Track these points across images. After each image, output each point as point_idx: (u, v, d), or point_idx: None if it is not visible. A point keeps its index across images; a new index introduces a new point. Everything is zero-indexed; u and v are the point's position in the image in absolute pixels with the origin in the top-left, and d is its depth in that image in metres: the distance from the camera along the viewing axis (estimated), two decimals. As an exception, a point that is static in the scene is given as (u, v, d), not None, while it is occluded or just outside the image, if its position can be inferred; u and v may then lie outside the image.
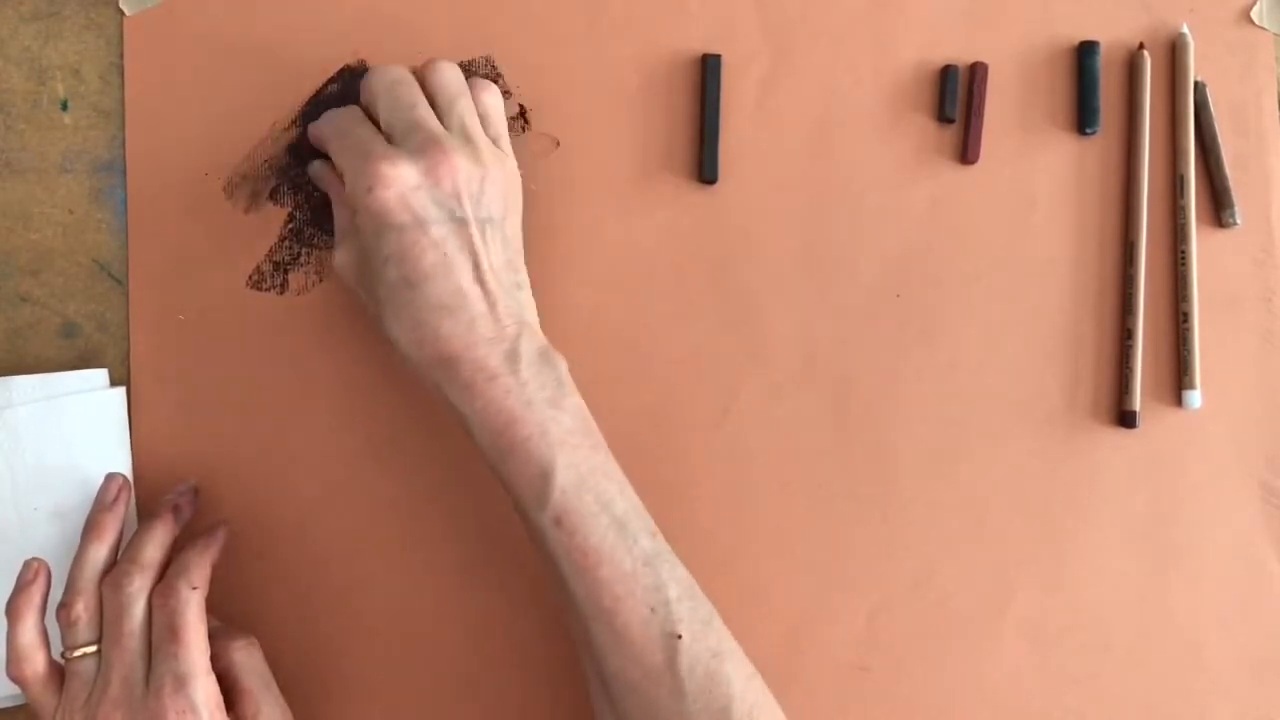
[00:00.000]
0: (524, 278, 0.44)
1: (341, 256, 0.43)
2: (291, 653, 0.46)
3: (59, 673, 0.41)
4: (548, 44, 0.49)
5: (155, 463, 0.47)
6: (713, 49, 0.50)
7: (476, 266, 0.41)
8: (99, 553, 0.42)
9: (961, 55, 0.51)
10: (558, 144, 0.49)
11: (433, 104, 0.43)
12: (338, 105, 0.48)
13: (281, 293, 0.48)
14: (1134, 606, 0.49)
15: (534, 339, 0.42)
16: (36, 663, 0.41)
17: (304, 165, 0.48)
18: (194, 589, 0.41)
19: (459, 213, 0.41)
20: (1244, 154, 0.51)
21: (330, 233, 0.48)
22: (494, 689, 0.47)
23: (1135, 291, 0.50)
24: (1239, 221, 0.50)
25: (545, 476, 0.40)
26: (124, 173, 0.48)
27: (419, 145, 0.41)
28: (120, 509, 0.44)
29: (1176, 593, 0.49)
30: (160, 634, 0.40)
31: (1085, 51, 0.51)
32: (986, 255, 0.50)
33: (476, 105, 0.44)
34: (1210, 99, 0.51)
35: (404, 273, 0.40)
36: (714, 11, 0.50)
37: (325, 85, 0.49)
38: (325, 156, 0.45)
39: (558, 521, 0.40)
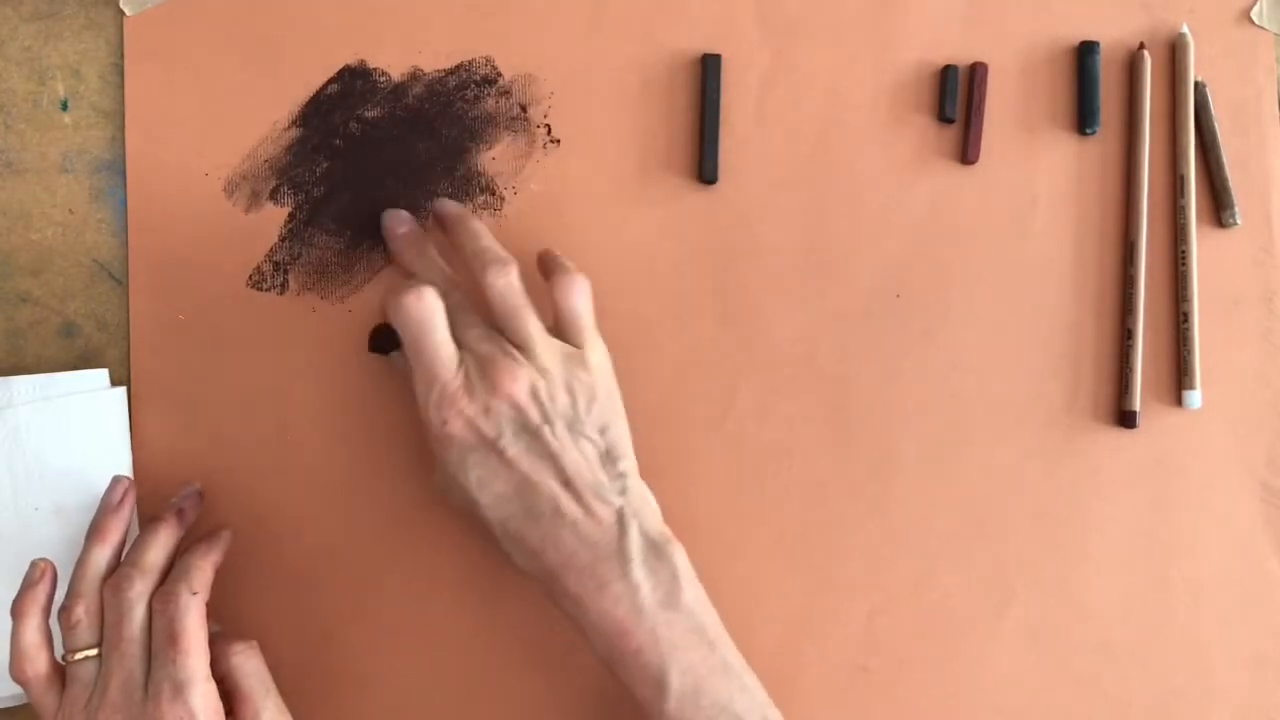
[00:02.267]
0: (628, 464, 0.43)
1: (438, 482, 0.44)
2: (291, 653, 0.46)
3: (61, 674, 0.41)
4: (548, 44, 0.49)
5: (155, 463, 0.47)
6: (713, 49, 0.50)
7: (560, 471, 0.41)
8: (102, 555, 0.42)
9: (961, 55, 0.51)
10: (558, 143, 0.49)
11: (493, 315, 0.43)
12: (338, 105, 0.48)
13: (281, 293, 0.48)
14: (1134, 606, 0.49)
15: (644, 532, 0.42)
16: (39, 663, 0.41)
17: (308, 165, 0.48)
18: (194, 594, 0.40)
19: (530, 424, 0.41)
20: (1244, 154, 0.51)
21: (330, 232, 0.48)
22: (495, 689, 0.47)
23: (1135, 291, 0.50)
24: (1239, 221, 0.50)
25: (659, 686, 0.40)
26: (124, 173, 0.48)
27: (480, 370, 0.42)
28: (125, 512, 0.44)
29: (1176, 593, 0.49)
30: (160, 639, 0.40)
31: (1085, 51, 0.51)
32: (986, 255, 0.50)
33: (559, 307, 0.44)
34: (1210, 99, 0.51)
35: (494, 493, 0.42)
36: (714, 11, 0.50)
37: (325, 85, 0.49)
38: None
39: None
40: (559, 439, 0.42)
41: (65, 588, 0.42)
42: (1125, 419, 0.49)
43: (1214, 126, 0.51)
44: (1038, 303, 0.50)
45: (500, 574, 0.47)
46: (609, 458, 0.43)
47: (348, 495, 0.47)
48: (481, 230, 0.45)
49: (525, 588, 0.47)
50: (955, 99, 0.50)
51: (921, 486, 0.49)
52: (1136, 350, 0.49)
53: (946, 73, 0.50)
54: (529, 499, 0.41)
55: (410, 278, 0.46)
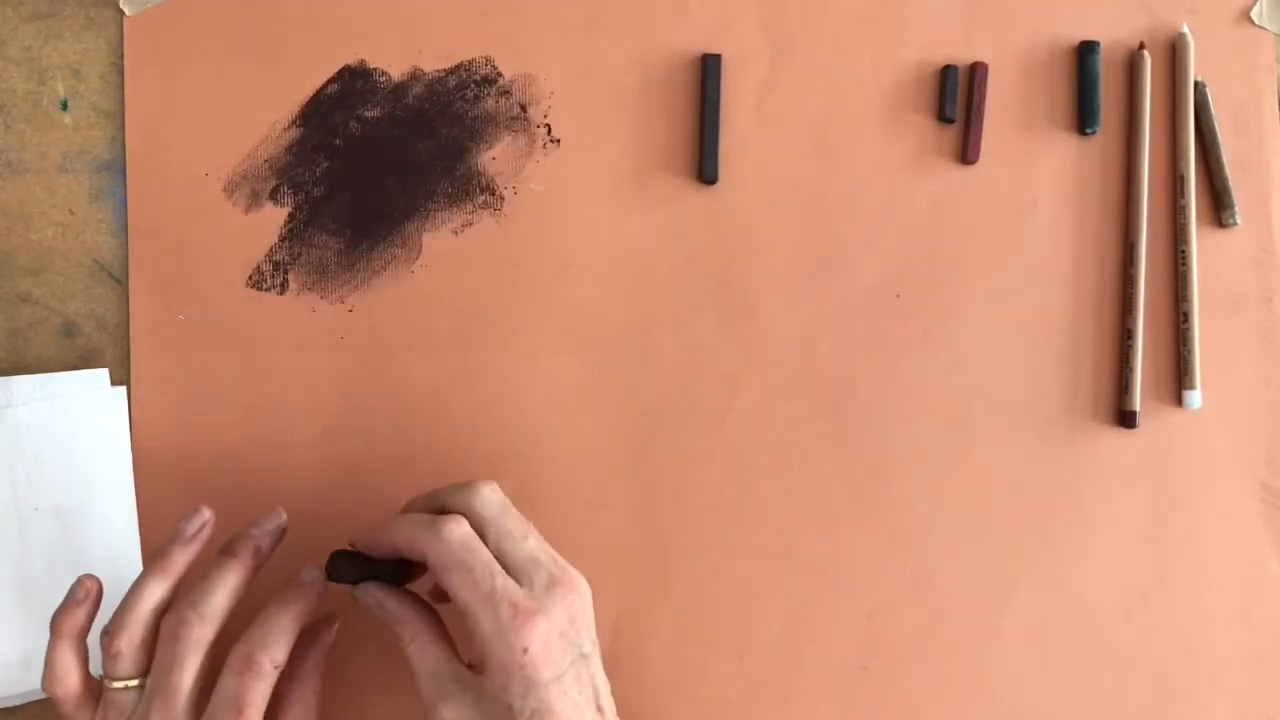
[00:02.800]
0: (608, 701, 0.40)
1: (451, 714, 0.38)
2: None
3: (93, 692, 0.40)
4: (548, 44, 0.49)
5: (154, 463, 0.47)
6: (713, 49, 0.50)
7: (597, 698, 0.39)
8: (158, 589, 0.40)
9: (961, 55, 0.51)
10: (558, 143, 0.49)
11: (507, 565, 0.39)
12: (338, 105, 0.48)
13: (281, 293, 0.48)
14: (1134, 606, 0.49)
15: None
16: (69, 684, 0.39)
17: (308, 165, 0.48)
18: (276, 667, 0.38)
19: (584, 649, 0.39)
20: (1244, 154, 0.51)
21: (330, 232, 0.48)
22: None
23: (1135, 291, 0.50)
24: (1239, 221, 0.50)
25: None
26: (124, 173, 0.48)
27: (547, 585, 0.38)
28: (195, 549, 0.41)
29: (1176, 593, 0.49)
30: (223, 700, 0.37)
31: (1085, 51, 0.51)
32: (986, 255, 0.50)
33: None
34: (1210, 99, 0.51)
35: None
36: (714, 11, 0.50)
37: (325, 85, 0.49)
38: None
39: None
40: (594, 666, 0.39)
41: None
42: (1125, 419, 0.49)
43: (1214, 126, 0.51)
44: (1038, 303, 0.50)
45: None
46: (608, 689, 0.41)
47: (347, 495, 0.47)
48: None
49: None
50: (955, 99, 0.50)
51: (921, 486, 0.49)
52: (1136, 350, 0.49)
53: (946, 73, 0.50)
54: None
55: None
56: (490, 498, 0.40)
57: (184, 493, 0.47)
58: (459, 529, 0.38)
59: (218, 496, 0.47)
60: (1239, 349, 0.50)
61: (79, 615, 0.40)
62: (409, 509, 0.43)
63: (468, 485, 0.40)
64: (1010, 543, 0.49)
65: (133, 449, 0.47)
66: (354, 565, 0.41)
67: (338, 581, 0.41)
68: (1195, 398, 0.49)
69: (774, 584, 0.48)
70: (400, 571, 0.42)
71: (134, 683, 0.39)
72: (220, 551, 0.41)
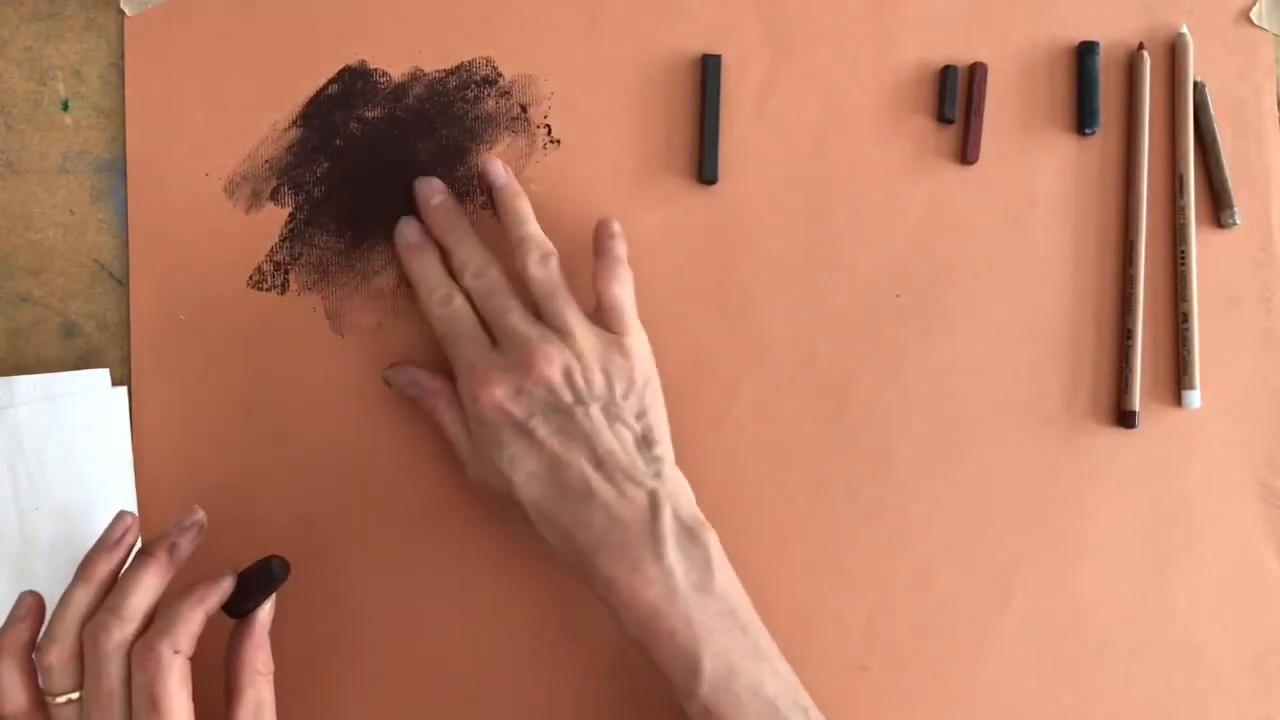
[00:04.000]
0: (664, 450, 0.44)
1: (473, 471, 0.45)
2: (291, 653, 0.46)
3: (44, 709, 0.39)
4: (548, 44, 0.50)
5: (155, 463, 0.47)
6: (713, 49, 0.50)
7: (593, 452, 0.42)
8: (84, 597, 0.39)
9: (961, 55, 0.51)
10: (558, 143, 0.49)
11: (534, 300, 0.44)
12: (338, 105, 0.49)
13: (282, 293, 0.48)
14: (1134, 606, 0.49)
15: (677, 516, 0.42)
16: (17, 702, 0.39)
17: (309, 165, 0.48)
18: (177, 652, 0.37)
19: (563, 404, 0.42)
20: (1244, 154, 0.51)
21: (330, 232, 0.48)
22: (499, 689, 0.47)
23: (1135, 291, 0.50)
24: (1239, 221, 0.50)
25: (692, 670, 0.40)
26: (124, 173, 0.48)
27: (513, 353, 0.43)
28: (119, 554, 0.41)
29: (1176, 593, 0.49)
30: (139, 700, 0.37)
31: (1085, 51, 0.51)
32: (986, 255, 0.50)
33: (601, 295, 0.45)
34: (1210, 99, 0.51)
35: (527, 471, 0.42)
36: (714, 11, 0.50)
37: (325, 85, 0.49)
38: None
39: (706, 711, 0.40)
40: (593, 420, 0.42)
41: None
42: (1125, 419, 0.49)
43: (1213, 126, 0.51)
44: (1037, 303, 0.50)
45: (503, 572, 0.48)
46: (644, 442, 0.43)
47: (348, 495, 0.47)
48: (526, 213, 0.46)
49: (533, 587, 0.47)
50: (955, 99, 0.50)
51: (921, 486, 0.49)
52: (1136, 350, 0.49)
53: (946, 73, 0.50)
54: (560, 478, 0.42)
55: (444, 251, 0.46)
56: (483, 279, 0.45)
57: (184, 493, 0.47)
58: (443, 309, 0.44)
59: (218, 496, 0.47)
60: (1238, 349, 0.50)
61: (21, 631, 0.40)
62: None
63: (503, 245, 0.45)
64: (1010, 542, 0.49)
65: (133, 449, 0.47)
66: (257, 584, 0.41)
67: (235, 613, 0.41)
68: (1195, 398, 0.49)
69: (774, 584, 0.48)
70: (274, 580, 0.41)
71: (75, 695, 0.38)
72: (138, 552, 0.41)
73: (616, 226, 0.46)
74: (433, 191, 0.47)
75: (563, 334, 0.43)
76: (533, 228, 0.45)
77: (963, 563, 0.49)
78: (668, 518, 0.41)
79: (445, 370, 0.46)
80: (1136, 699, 0.49)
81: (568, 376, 0.42)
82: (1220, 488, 0.50)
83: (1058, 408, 0.50)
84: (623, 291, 0.45)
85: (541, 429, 0.42)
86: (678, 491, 0.43)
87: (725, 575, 0.42)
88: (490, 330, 0.44)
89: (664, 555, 0.41)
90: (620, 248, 0.46)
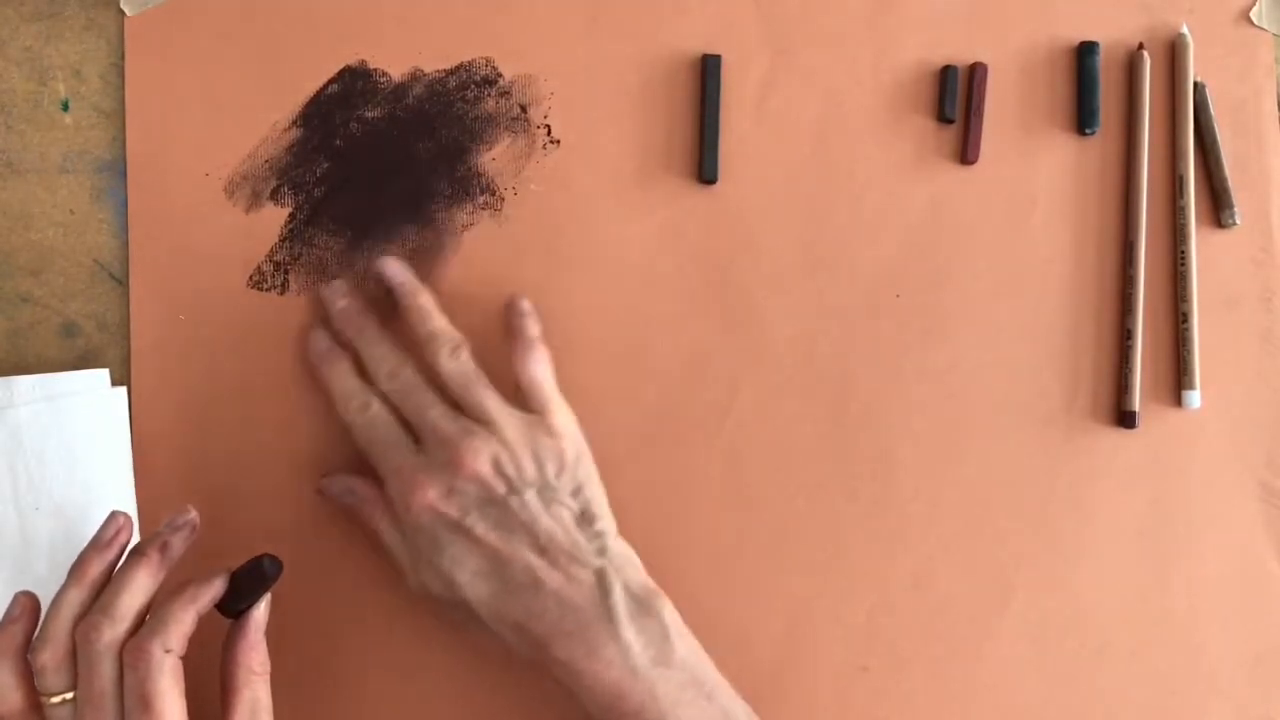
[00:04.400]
0: (606, 524, 0.43)
1: (413, 581, 0.44)
2: (290, 653, 0.46)
3: (39, 709, 0.39)
4: (548, 44, 0.50)
5: (155, 463, 0.47)
6: (713, 49, 0.50)
7: (535, 539, 0.41)
8: (76, 597, 0.39)
9: (961, 55, 0.51)
10: (558, 143, 0.49)
11: (450, 394, 0.43)
12: (338, 105, 0.49)
13: (282, 293, 0.48)
14: (1134, 606, 0.49)
15: (628, 590, 0.42)
16: (12, 703, 0.39)
17: (309, 165, 0.48)
18: (168, 651, 0.37)
19: (496, 496, 0.42)
20: (1244, 154, 0.51)
21: (330, 232, 0.48)
22: (494, 694, 0.47)
23: (1135, 291, 0.50)
24: (1239, 221, 0.50)
25: None
26: (125, 173, 0.48)
27: (439, 452, 0.42)
28: (111, 554, 0.41)
29: (1176, 593, 0.49)
30: (131, 700, 0.37)
31: (1085, 51, 0.51)
32: (986, 255, 0.50)
33: (519, 378, 0.44)
34: (1210, 99, 0.51)
35: (471, 571, 0.41)
36: (714, 11, 0.50)
37: (326, 85, 0.49)
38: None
39: None
40: (529, 507, 0.42)
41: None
42: (1125, 419, 0.49)
43: (1213, 127, 0.51)
44: (1037, 303, 0.50)
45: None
46: (584, 519, 0.43)
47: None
48: (428, 308, 0.45)
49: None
50: (955, 99, 0.50)
51: (921, 486, 0.49)
52: (1136, 350, 0.49)
53: (946, 73, 0.50)
54: (506, 572, 0.41)
55: (355, 356, 0.45)
56: (397, 379, 0.44)
57: (184, 493, 0.47)
58: (361, 416, 0.44)
59: (218, 496, 0.47)
60: (1238, 349, 0.50)
61: (15, 632, 0.39)
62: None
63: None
64: (1010, 542, 0.49)
65: (133, 449, 0.47)
66: (249, 583, 0.41)
67: (230, 611, 0.41)
68: (1195, 398, 0.49)
69: (774, 584, 0.48)
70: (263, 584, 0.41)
71: (69, 696, 0.38)
72: (130, 551, 0.41)
73: (525, 305, 0.46)
74: (337, 295, 0.47)
75: (486, 424, 0.42)
76: (438, 322, 0.45)
77: (963, 563, 0.49)
78: (618, 594, 0.41)
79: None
80: (1136, 699, 0.49)
81: (497, 467, 0.42)
82: (1220, 488, 0.50)
83: (1058, 408, 0.50)
84: (540, 371, 0.44)
85: (479, 525, 0.41)
86: (625, 564, 0.43)
87: (685, 644, 0.42)
88: (412, 430, 0.44)
89: (620, 634, 0.40)
90: (533, 327, 0.45)
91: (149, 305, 0.48)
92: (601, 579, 0.41)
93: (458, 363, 0.44)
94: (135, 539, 0.43)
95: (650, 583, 0.43)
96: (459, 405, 0.43)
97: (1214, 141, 0.51)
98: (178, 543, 0.41)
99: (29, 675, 0.39)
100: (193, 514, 0.42)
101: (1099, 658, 0.49)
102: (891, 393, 0.49)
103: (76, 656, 0.38)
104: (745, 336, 0.49)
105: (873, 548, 0.49)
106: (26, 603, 0.40)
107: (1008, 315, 0.50)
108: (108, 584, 0.40)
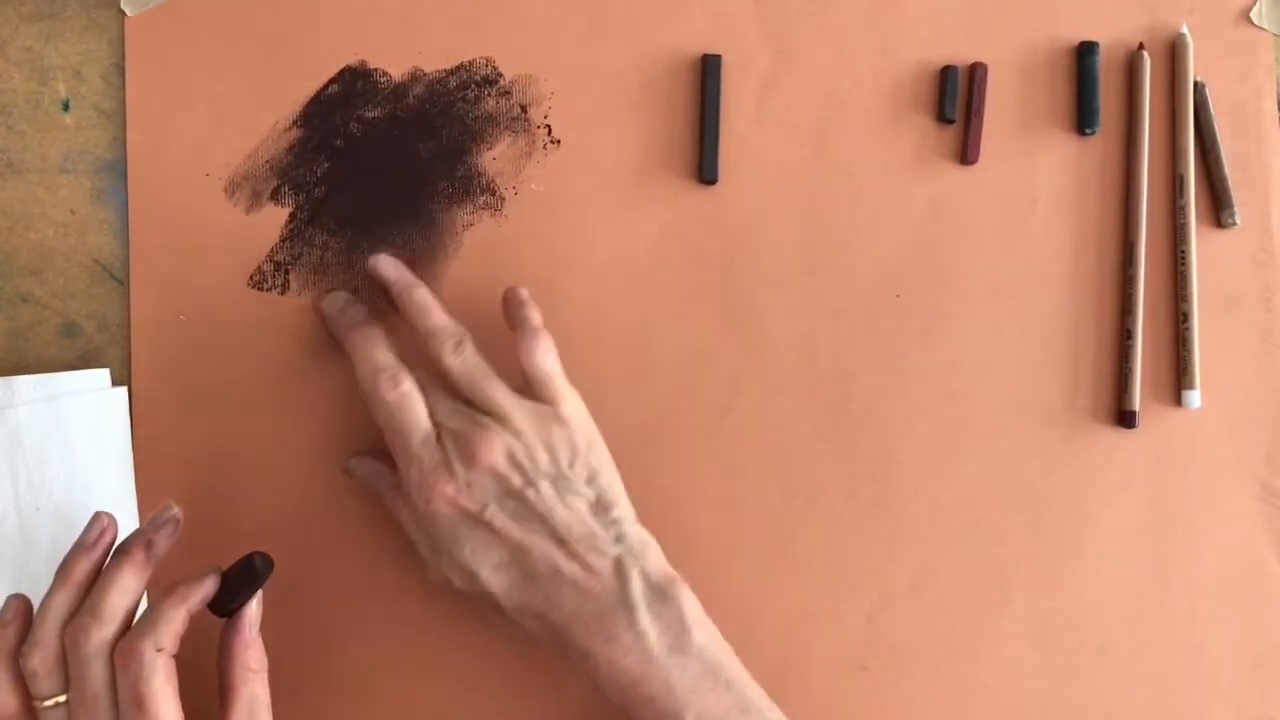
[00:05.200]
0: (622, 511, 0.43)
1: (434, 574, 0.43)
2: (290, 654, 0.46)
3: (33, 713, 0.39)
4: (548, 44, 0.50)
5: (156, 463, 0.47)
6: (713, 49, 0.50)
7: (553, 530, 0.41)
8: (63, 599, 0.39)
9: (961, 55, 0.51)
10: (558, 143, 0.49)
11: (458, 389, 0.43)
12: (339, 105, 0.49)
13: (282, 293, 0.48)
14: (1134, 606, 0.49)
15: (646, 577, 0.42)
16: (6, 706, 0.39)
17: (309, 165, 0.48)
18: (160, 650, 0.37)
19: (514, 489, 0.42)
20: (1244, 154, 0.51)
21: (331, 232, 0.48)
22: (494, 689, 0.47)
23: (1135, 291, 0.50)
24: (1239, 221, 0.50)
25: None
26: (125, 173, 0.48)
27: (456, 444, 0.42)
28: (97, 555, 0.40)
29: (1176, 593, 0.49)
30: (125, 700, 0.37)
31: (1085, 52, 0.51)
32: (986, 255, 0.50)
33: (526, 369, 0.43)
34: (1210, 99, 0.51)
35: (492, 563, 0.41)
36: (714, 11, 0.50)
37: (326, 85, 0.49)
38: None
39: None
40: (545, 499, 0.42)
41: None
42: (1125, 419, 0.49)
43: (1213, 127, 0.51)
44: (1037, 303, 0.50)
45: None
46: (600, 507, 0.43)
47: (348, 495, 0.47)
48: (428, 303, 0.44)
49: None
50: (955, 99, 0.50)
51: (921, 486, 0.49)
52: (1136, 350, 0.49)
53: (946, 73, 0.50)
54: (525, 564, 0.41)
55: (359, 361, 0.44)
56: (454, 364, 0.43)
57: (184, 493, 0.47)
58: (392, 391, 0.42)
59: (218, 496, 0.47)
60: (1238, 349, 0.50)
61: (8, 636, 0.39)
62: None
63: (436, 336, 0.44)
64: (1010, 542, 0.49)
65: (133, 449, 0.47)
66: (242, 582, 0.41)
67: (222, 611, 0.41)
68: (1195, 398, 0.49)
69: (774, 584, 0.48)
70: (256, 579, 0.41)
71: (62, 699, 0.38)
72: (115, 551, 0.41)
73: (525, 294, 0.45)
74: (337, 303, 0.46)
75: (497, 417, 0.42)
76: (438, 317, 0.44)
77: (963, 563, 0.49)
78: (636, 582, 0.41)
79: None
80: (1136, 699, 0.49)
81: (511, 459, 0.42)
82: (1220, 488, 0.50)
83: (1058, 408, 0.50)
84: (546, 360, 0.43)
85: (499, 518, 0.41)
86: (642, 551, 0.43)
87: (703, 631, 0.42)
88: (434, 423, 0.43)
89: (637, 621, 0.41)
90: (535, 316, 0.44)
91: (149, 305, 0.48)
92: (619, 567, 0.41)
93: (462, 358, 0.43)
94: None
95: (669, 570, 0.43)
96: (468, 400, 0.43)
97: (1214, 141, 0.51)
98: (162, 539, 0.41)
99: (22, 679, 0.39)
100: (176, 510, 0.42)
101: (1099, 658, 0.49)
102: (891, 393, 0.49)
103: (67, 659, 0.38)
104: (745, 336, 0.49)
105: (873, 548, 0.49)
106: (19, 606, 0.40)
107: (1008, 315, 0.50)
108: (95, 585, 0.39)
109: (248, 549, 0.46)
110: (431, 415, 0.43)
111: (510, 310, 0.45)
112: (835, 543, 0.49)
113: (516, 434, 0.42)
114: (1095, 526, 0.49)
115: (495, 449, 0.41)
